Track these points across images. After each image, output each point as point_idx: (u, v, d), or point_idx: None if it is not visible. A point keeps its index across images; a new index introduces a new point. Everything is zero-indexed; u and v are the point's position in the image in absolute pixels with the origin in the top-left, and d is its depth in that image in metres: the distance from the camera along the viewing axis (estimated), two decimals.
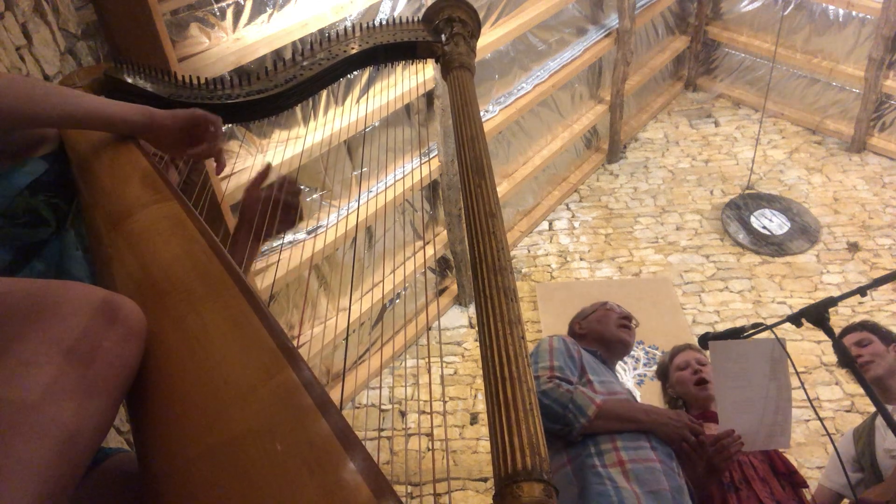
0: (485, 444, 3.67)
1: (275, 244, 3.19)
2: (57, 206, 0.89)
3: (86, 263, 0.91)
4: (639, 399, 3.81)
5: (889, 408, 1.93)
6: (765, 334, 1.83)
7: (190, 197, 0.89)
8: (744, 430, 1.71)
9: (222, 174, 2.68)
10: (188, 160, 1.18)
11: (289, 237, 3.33)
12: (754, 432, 1.75)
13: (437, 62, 1.34)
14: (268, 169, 1.27)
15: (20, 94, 0.81)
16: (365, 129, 3.46)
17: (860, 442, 2.14)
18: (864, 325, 2.25)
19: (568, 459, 1.55)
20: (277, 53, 2.77)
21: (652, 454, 1.53)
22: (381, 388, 4.01)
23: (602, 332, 1.92)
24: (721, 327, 4.14)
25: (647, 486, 1.44)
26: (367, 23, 1.36)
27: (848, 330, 2.27)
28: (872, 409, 2.07)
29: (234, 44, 2.61)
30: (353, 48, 1.30)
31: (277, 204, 1.22)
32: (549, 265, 4.87)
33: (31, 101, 0.83)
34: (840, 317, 4.09)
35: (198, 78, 1.22)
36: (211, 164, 1.16)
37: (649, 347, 4.11)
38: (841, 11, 5.20)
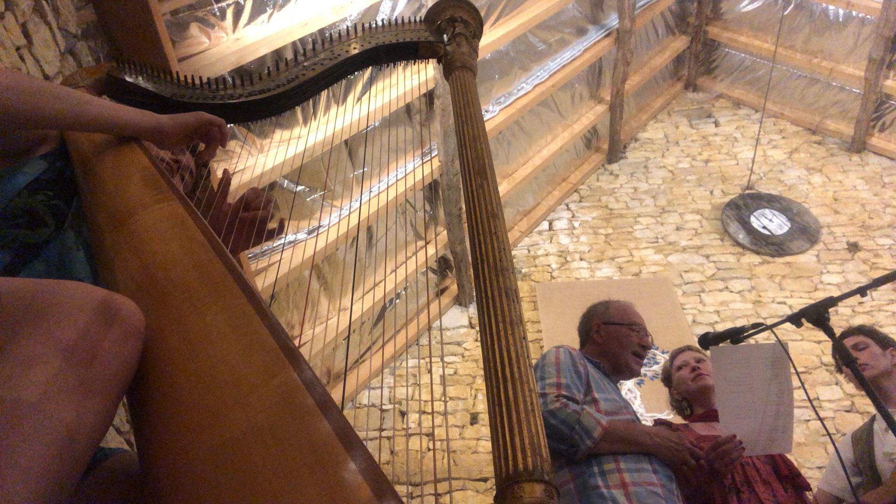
0: (485, 444, 3.67)
1: (275, 244, 3.19)
2: (56, 206, 0.89)
3: (86, 264, 0.91)
4: (638, 399, 3.82)
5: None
6: (765, 334, 1.83)
7: (191, 199, 0.89)
8: (745, 434, 1.71)
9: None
10: (193, 173, 1.18)
11: (289, 237, 3.33)
12: (755, 436, 1.75)
13: (438, 62, 1.34)
14: (227, 178, 1.20)
15: (28, 95, 0.81)
16: (365, 128, 3.46)
17: (859, 446, 2.14)
18: (861, 330, 2.27)
19: (571, 477, 1.57)
20: (278, 53, 2.77)
21: (654, 477, 1.56)
22: (381, 388, 4.01)
23: (617, 354, 1.92)
24: (721, 327, 4.13)
25: None
26: (369, 23, 1.36)
27: (845, 334, 2.28)
28: (873, 409, 2.07)
29: (234, 44, 2.60)
30: (354, 48, 1.30)
31: (249, 217, 1.16)
32: (549, 265, 4.87)
33: (39, 103, 0.83)
34: (840, 317, 4.09)
35: (199, 78, 1.22)
36: (211, 167, 1.15)
37: None
38: (841, 11, 5.20)
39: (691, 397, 2.16)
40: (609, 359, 1.92)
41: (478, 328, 0.72)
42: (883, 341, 2.20)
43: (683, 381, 2.17)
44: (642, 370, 2.00)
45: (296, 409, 0.51)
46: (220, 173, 1.22)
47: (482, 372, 0.67)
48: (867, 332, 2.25)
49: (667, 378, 2.31)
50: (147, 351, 0.59)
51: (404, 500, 0.47)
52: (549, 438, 1.64)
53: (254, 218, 1.16)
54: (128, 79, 1.20)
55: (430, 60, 1.36)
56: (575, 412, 1.57)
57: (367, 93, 3.38)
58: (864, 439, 2.13)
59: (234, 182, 2.69)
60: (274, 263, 3.11)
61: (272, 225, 1.20)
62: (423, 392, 3.40)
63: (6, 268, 0.82)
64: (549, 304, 4.44)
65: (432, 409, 3.31)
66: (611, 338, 1.94)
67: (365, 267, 3.90)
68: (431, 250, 4.32)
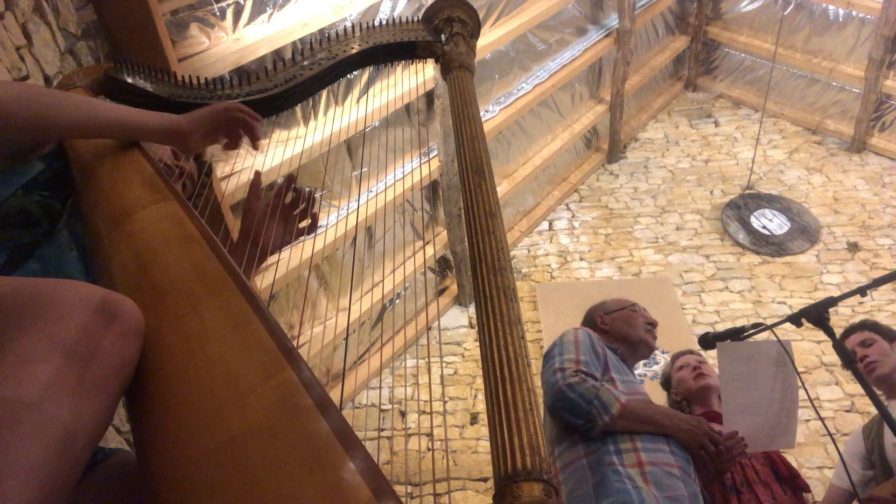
0: (485, 444, 3.66)
1: None
2: (50, 206, 0.88)
3: (80, 264, 0.91)
4: None
5: None
6: (765, 334, 1.83)
7: (190, 199, 0.89)
8: (747, 431, 1.70)
9: (221, 174, 2.68)
10: (194, 180, 1.18)
11: None
12: (758, 433, 1.75)
13: (436, 62, 1.34)
14: (258, 178, 1.21)
15: (42, 106, 0.81)
16: (365, 128, 3.46)
17: (869, 438, 2.12)
18: (865, 325, 2.24)
19: (585, 453, 1.54)
20: (278, 53, 2.77)
21: (671, 458, 1.53)
22: (381, 388, 4.01)
23: (628, 333, 1.92)
24: (721, 327, 4.13)
25: (665, 490, 1.44)
26: (367, 23, 1.36)
27: (850, 330, 2.25)
28: (873, 408, 2.06)
29: (234, 44, 2.60)
30: (352, 48, 1.30)
31: (286, 212, 1.16)
32: (549, 265, 4.86)
33: (55, 112, 0.83)
34: (840, 317, 4.09)
35: (198, 78, 1.22)
36: (214, 175, 1.14)
37: None
38: (841, 11, 5.20)
39: (691, 397, 2.17)
40: (624, 342, 1.91)
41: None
42: (888, 335, 2.17)
43: (684, 380, 2.18)
44: (643, 370, 2.01)
45: (294, 410, 0.51)
46: (220, 174, 1.22)
47: (482, 372, 0.67)
48: (870, 326, 2.21)
49: (666, 381, 2.32)
50: (145, 350, 0.59)
51: (404, 500, 0.47)
52: (565, 412, 1.63)
53: (295, 211, 1.17)
54: (125, 79, 1.20)
55: (429, 60, 1.36)
56: (594, 387, 1.54)
57: (367, 93, 3.38)
58: (874, 431, 2.10)
59: (233, 182, 2.69)
60: (273, 263, 3.10)
61: (303, 223, 1.19)
62: (422, 392, 3.40)
63: (1, 268, 0.82)
64: (549, 304, 4.43)
65: (431, 409, 3.30)
66: (617, 322, 1.94)
67: (364, 267, 3.90)
68: (431, 250, 4.32)
